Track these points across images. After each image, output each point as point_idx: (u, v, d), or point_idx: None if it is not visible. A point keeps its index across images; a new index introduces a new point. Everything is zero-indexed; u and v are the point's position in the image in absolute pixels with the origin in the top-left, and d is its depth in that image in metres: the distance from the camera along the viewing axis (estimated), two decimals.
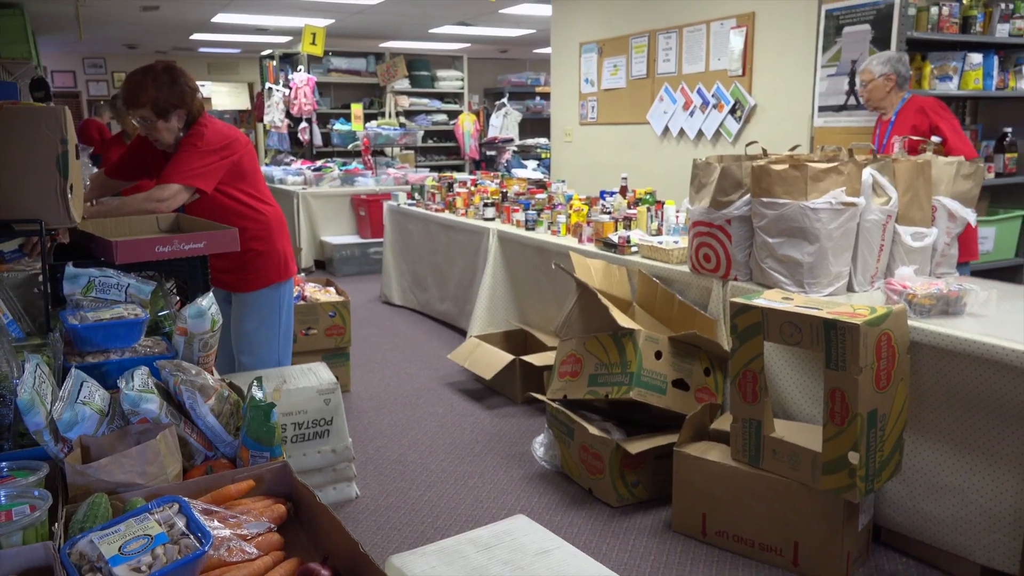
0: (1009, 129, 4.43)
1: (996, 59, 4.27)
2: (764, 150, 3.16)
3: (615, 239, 3.78)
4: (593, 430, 2.95)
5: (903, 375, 2.38)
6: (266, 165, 9.43)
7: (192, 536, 1.02)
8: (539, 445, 3.43)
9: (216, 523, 1.08)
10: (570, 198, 4.81)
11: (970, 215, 3.01)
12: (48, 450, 1.25)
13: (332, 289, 4.56)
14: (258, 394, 1.34)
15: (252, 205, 2.97)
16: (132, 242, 1.93)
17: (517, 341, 4.47)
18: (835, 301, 2.57)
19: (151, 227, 2.37)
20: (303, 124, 9.60)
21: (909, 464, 2.51)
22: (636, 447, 2.87)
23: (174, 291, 2.02)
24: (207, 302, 1.70)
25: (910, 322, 2.46)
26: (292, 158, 9.56)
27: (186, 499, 1.08)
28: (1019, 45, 4.31)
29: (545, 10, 8.04)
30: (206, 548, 1.00)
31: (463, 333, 5.14)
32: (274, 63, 9.93)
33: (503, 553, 1.50)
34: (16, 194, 1.71)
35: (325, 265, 7.82)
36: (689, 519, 2.75)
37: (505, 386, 4.15)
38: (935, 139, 3.46)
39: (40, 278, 1.94)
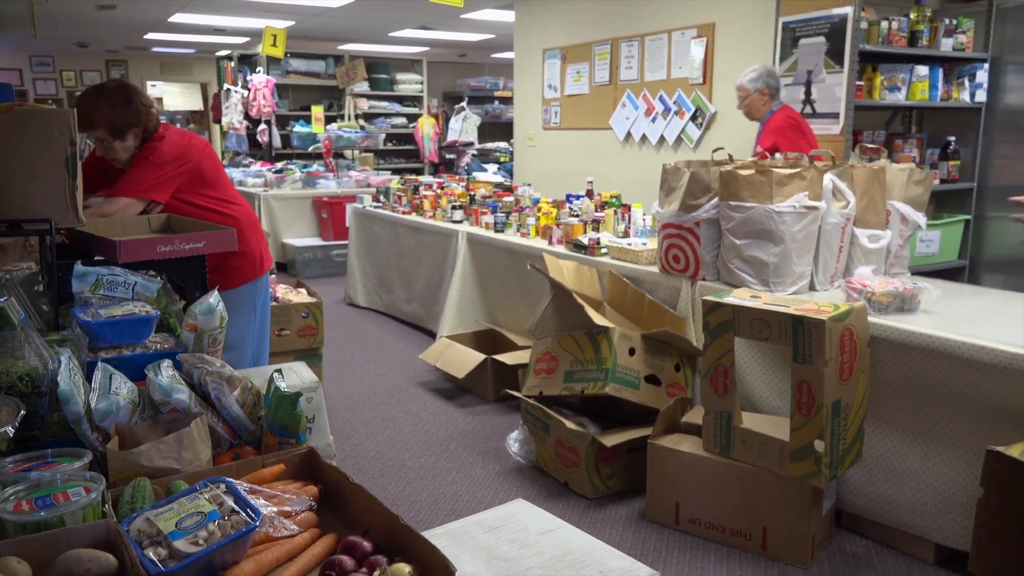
0: (952, 138, 4.68)
1: (941, 72, 4.51)
2: (730, 156, 3.31)
3: (585, 241, 3.90)
4: (570, 425, 3.06)
5: (864, 368, 2.55)
6: (224, 167, 9.36)
7: (242, 512, 1.09)
8: (513, 441, 3.53)
9: (261, 501, 1.16)
10: (537, 201, 4.93)
11: (921, 218, 3.21)
12: (84, 439, 1.31)
13: (303, 291, 4.59)
14: (282, 385, 1.42)
15: (219, 209, 2.97)
16: (135, 241, 1.98)
17: (487, 341, 4.57)
18: (800, 299, 2.73)
19: (143, 228, 2.41)
20: (262, 126, 9.56)
21: (869, 451, 2.67)
22: (611, 440, 2.99)
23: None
24: (215, 299, 1.76)
25: (869, 318, 2.62)
26: (251, 160, 9.50)
27: (230, 479, 1.15)
28: (962, 59, 4.56)
29: (505, 15, 8.16)
30: (257, 523, 1.08)
31: (430, 334, 5.22)
32: (232, 64, 9.86)
33: (509, 533, 1.60)
34: (27, 194, 1.75)
35: (287, 267, 7.81)
36: (663, 508, 2.88)
37: (477, 385, 4.24)
38: (778, 156, 3.68)
39: (40, 276, 1.98)
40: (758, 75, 4.21)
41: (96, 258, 2.11)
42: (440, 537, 1.59)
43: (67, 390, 1.26)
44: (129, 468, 1.22)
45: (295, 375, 3.11)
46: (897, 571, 2.58)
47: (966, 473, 2.44)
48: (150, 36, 10.77)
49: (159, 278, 2.00)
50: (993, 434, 2.33)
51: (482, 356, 4.10)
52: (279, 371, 1.47)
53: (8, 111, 1.72)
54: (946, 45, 4.47)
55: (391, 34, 10.16)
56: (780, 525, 2.61)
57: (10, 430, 1.17)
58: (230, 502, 1.10)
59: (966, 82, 4.62)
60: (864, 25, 4.18)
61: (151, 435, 1.32)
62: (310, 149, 9.87)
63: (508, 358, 4.08)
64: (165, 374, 1.39)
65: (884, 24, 4.27)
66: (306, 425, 1.42)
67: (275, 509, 1.17)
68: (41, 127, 1.74)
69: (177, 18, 8.99)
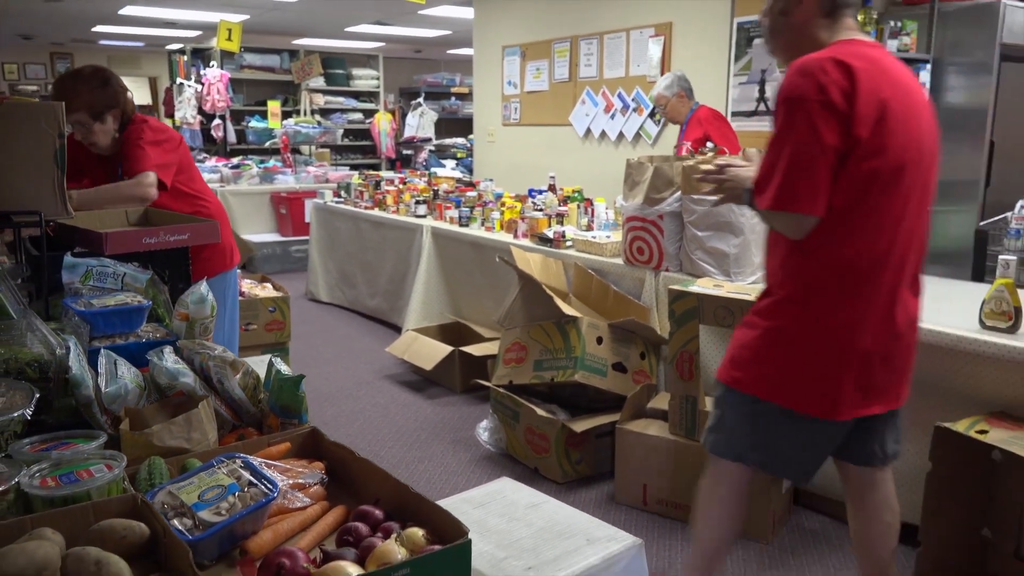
0: None
1: None
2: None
3: (551, 234, 4.00)
4: (540, 412, 3.16)
5: None
6: None
7: (260, 485, 1.15)
8: (483, 430, 3.61)
9: (276, 474, 1.22)
10: (500, 196, 5.01)
11: None
12: (94, 421, 1.35)
13: (269, 285, 4.61)
14: (283, 368, 1.48)
15: (200, 198, 3.01)
16: (121, 233, 2.01)
17: (453, 333, 4.64)
18: (760, 287, 2.86)
19: (120, 220, 2.43)
20: (216, 121, 9.46)
21: None
22: (580, 426, 3.10)
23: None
24: (205, 289, 1.81)
25: None
26: (206, 155, 9.40)
27: (245, 455, 1.21)
28: (906, 59, 4.77)
29: (462, 12, 8.21)
30: (275, 494, 1.14)
31: (395, 328, 5.27)
32: (185, 58, 9.73)
33: (497, 508, 1.68)
34: (16, 187, 1.77)
35: (246, 264, 7.75)
36: (631, 491, 2.99)
37: (444, 377, 4.31)
38: (709, 144, 3.92)
39: (29, 268, 2.00)
40: (672, 81, 4.48)
41: (76, 250, 2.13)
42: None
43: (79, 374, 1.31)
44: (142, 448, 1.27)
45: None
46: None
47: (913, 450, 2.59)
48: (98, 28, 10.56)
49: (147, 269, 2.03)
50: (939, 412, 2.49)
51: (449, 348, 4.17)
52: (278, 356, 1.53)
53: None
54: (891, 46, 4.67)
55: (347, 29, 10.13)
56: None
57: (28, 412, 1.21)
58: (247, 475, 1.16)
59: None
60: None
61: (159, 417, 1.37)
62: (266, 144, 9.80)
63: (475, 349, 4.16)
64: (169, 359, 1.44)
65: None
66: (307, 406, 1.48)
67: (289, 482, 1.23)
68: (30, 121, 1.76)
69: (128, 10, 8.84)
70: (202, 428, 1.33)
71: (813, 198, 1.71)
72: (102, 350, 1.47)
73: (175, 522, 1.08)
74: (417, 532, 1.10)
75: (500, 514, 1.65)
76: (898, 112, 1.75)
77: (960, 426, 2.27)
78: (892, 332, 1.83)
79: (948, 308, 2.69)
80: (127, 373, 1.42)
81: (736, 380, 1.91)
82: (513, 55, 6.68)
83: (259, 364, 3.10)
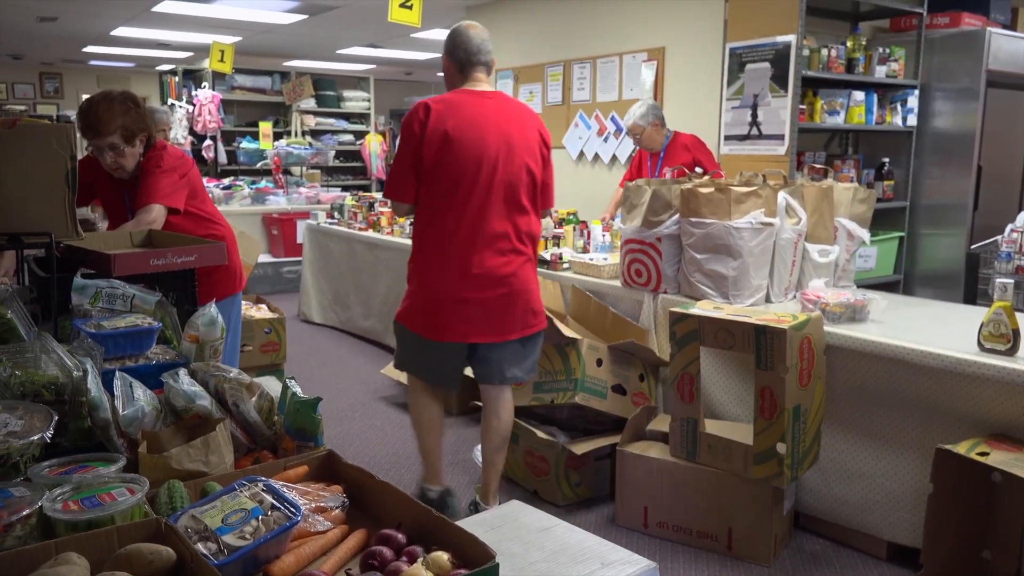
0: (887, 159, 4.96)
1: (876, 97, 4.79)
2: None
3: (548, 256, 4.01)
4: (540, 434, 3.15)
5: (821, 374, 2.71)
6: None
7: (282, 508, 1.15)
8: (481, 452, 3.60)
9: (298, 498, 1.21)
10: None
11: (865, 234, 3.42)
12: (111, 444, 1.34)
13: (264, 306, 4.59)
14: (297, 391, 1.48)
15: (211, 220, 3.05)
16: (129, 255, 2.00)
17: None
18: (759, 310, 2.89)
19: (124, 242, 2.43)
20: (207, 142, 9.45)
21: (824, 454, 2.83)
22: (581, 448, 3.10)
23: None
24: (215, 311, 1.81)
25: (824, 327, 2.79)
26: None
27: (267, 478, 1.21)
28: (895, 85, 4.85)
29: None
30: (299, 517, 1.14)
31: (388, 349, 5.26)
32: (176, 79, 9.74)
33: (510, 531, 1.68)
34: (28, 208, 1.77)
35: None
36: (632, 513, 2.99)
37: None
38: (698, 169, 4.00)
39: (34, 290, 1.99)
40: (646, 110, 4.56)
41: (81, 271, 2.12)
42: None
43: (98, 397, 1.30)
44: (161, 471, 1.27)
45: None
46: (852, 568, 2.74)
47: (914, 473, 2.61)
48: (89, 49, 10.55)
49: (155, 291, 2.03)
50: (940, 435, 2.51)
51: None
52: (292, 378, 1.53)
53: (11, 126, 1.74)
54: (880, 72, 4.75)
55: (339, 51, 10.18)
56: (744, 525, 2.75)
57: (48, 435, 1.20)
58: (270, 499, 1.16)
59: (898, 107, 4.91)
60: (806, 52, 4.42)
61: (175, 440, 1.36)
62: (257, 165, 9.79)
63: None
64: (185, 381, 1.43)
65: (824, 51, 4.52)
66: (323, 429, 1.48)
67: (311, 505, 1.23)
68: (42, 141, 1.76)
69: (120, 31, 8.86)
70: (220, 451, 1.33)
71: (403, 191, 2.67)
72: (117, 372, 1.47)
73: (199, 546, 1.07)
74: (443, 556, 1.09)
75: (513, 537, 1.64)
76: (459, 139, 2.57)
77: (961, 448, 2.29)
78: (469, 283, 2.64)
79: (946, 331, 2.73)
80: (143, 396, 1.41)
81: (397, 315, 2.83)
82: (506, 78, 6.73)
83: (268, 387, 3.12)
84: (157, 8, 7.36)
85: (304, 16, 7.71)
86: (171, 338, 1.94)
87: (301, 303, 6.43)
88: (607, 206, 5.14)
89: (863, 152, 5.26)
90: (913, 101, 4.95)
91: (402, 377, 4.31)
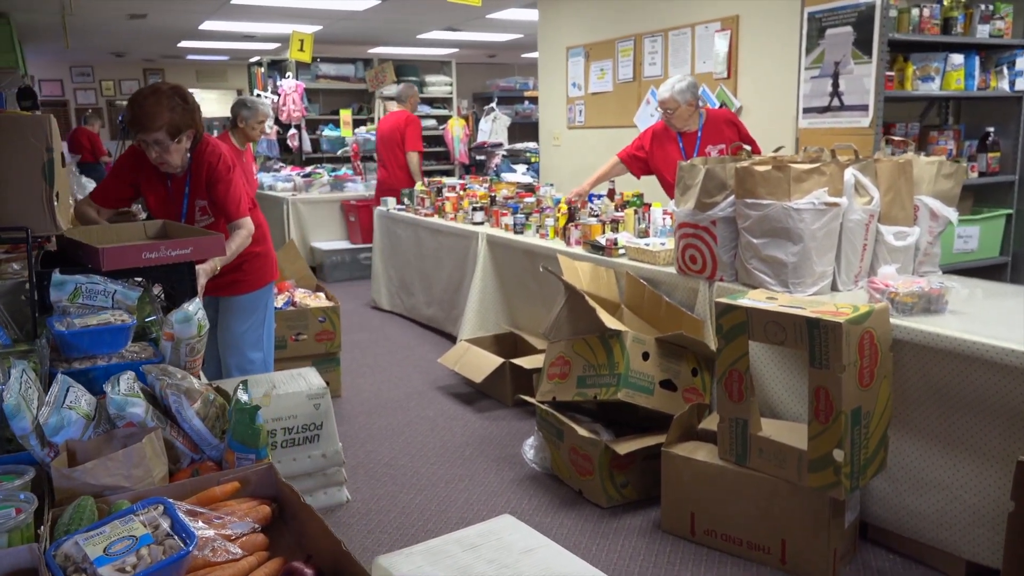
0: (991, 129, 4.47)
1: (977, 60, 4.31)
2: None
3: (602, 242, 3.80)
4: (582, 432, 2.97)
5: (886, 372, 2.41)
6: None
7: (177, 537, 1.03)
8: (529, 447, 3.45)
9: (201, 524, 1.09)
10: (559, 201, 4.83)
11: (952, 214, 3.05)
12: (34, 454, 1.26)
13: (322, 295, 4.56)
14: (243, 397, 1.35)
15: (251, 207, 3.04)
16: (119, 249, 1.94)
17: (507, 344, 4.49)
18: (819, 300, 2.60)
19: (138, 234, 2.38)
20: (292, 130, 9.61)
21: (894, 461, 2.53)
22: (624, 448, 2.89)
23: (161, 297, 2.03)
24: (193, 307, 1.71)
25: (893, 320, 2.48)
26: (282, 164, 9.56)
27: (171, 500, 1.09)
28: (1000, 46, 4.35)
29: (531, 15, 8.07)
30: (190, 548, 1.01)
31: (451, 337, 5.16)
32: (262, 70, 9.93)
33: (488, 552, 1.52)
34: (2, 202, 1.72)
35: (315, 271, 7.81)
36: (678, 519, 2.77)
37: (495, 389, 4.17)
38: (746, 147, 3.54)
39: (27, 285, 1.95)
40: (687, 85, 4.19)
41: (88, 266, 2.08)
42: (417, 555, 1.51)
43: (13, 404, 1.22)
44: (74, 486, 1.17)
45: (303, 381, 3.08)
46: None
47: (998, 484, 2.29)
48: (183, 44, 10.91)
49: (148, 286, 1.96)
50: (1022, 445, 2.19)
51: (500, 360, 4.02)
52: (245, 382, 1.41)
53: None
54: (982, 32, 4.27)
55: (419, 36, 10.14)
56: (799, 538, 2.49)
57: None
58: (166, 525, 1.04)
59: (1005, 70, 4.41)
60: (893, 13, 4.01)
61: (103, 450, 1.26)
62: (340, 153, 9.89)
63: (526, 362, 4.00)
64: (123, 387, 1.33)
65: (915, 11, 4.08)
66: (267, 440, 1.35)
67: (214, 533, 1.10)
68: (15, 134, 1.70)
69: (207, 25, 9.08)
70: (145, 464, 1.22)
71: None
72: (58, 375, 1.38)
73: None
74: None
75: (490, 560, 1.48)
76: None
77: None
78: None
79: None
80: (80, 401, 1.32)
81: None
82: (577, 56, 6.49)
83: (305, 377, 3.07)
84: (235, 0, 7.47)
85: (379, 1, 7.67)
86: (158, 336, 1.86)
87: (372, 290, 6.42)
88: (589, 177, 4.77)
89: (964, 122, 4.77)
90: (1022, 63, 4.43)
91: (458, 367, 4.21)
